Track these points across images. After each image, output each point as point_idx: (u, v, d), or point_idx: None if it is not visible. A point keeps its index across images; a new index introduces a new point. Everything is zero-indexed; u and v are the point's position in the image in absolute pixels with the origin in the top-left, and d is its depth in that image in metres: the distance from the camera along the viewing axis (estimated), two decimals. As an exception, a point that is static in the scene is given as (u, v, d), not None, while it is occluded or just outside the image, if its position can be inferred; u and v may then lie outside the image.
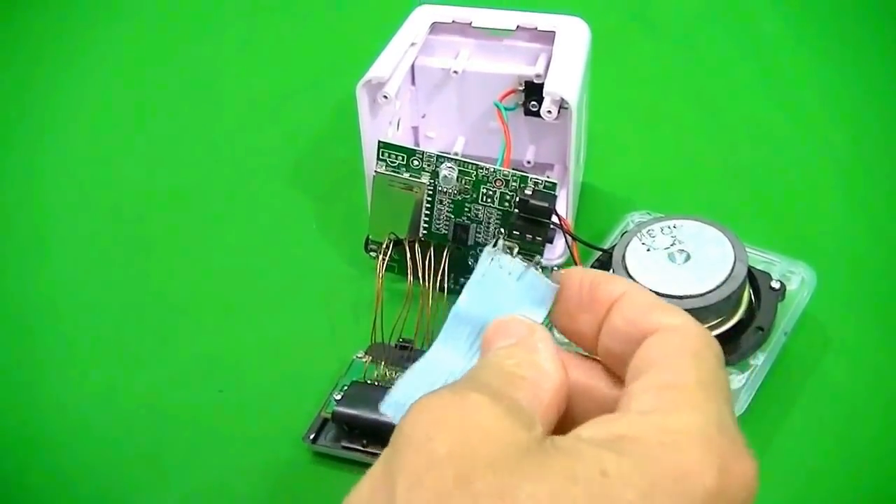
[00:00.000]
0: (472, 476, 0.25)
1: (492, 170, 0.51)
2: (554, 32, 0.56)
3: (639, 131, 0.68)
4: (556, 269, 0.37)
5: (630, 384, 0.28)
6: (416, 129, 0.61)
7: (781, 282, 0.51)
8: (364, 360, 0.50)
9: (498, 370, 0.30)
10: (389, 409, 0.35)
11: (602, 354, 0.31)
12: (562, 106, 0.52)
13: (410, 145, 0.58)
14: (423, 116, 0.60)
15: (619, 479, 0.25)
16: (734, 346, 0.48)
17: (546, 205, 0.50)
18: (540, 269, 0.39)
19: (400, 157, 0.52)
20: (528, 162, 0.59)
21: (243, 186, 0.66)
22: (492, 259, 0.39)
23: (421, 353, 0.49)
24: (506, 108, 0.56)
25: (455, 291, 0.54)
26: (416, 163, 0.52)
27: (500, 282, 0.39)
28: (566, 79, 0.53)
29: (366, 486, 0.27)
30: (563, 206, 0.55)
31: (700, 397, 0.27)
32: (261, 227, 0.62)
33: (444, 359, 0.38)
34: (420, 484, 0.25)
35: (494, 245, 0.36)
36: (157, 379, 0.53)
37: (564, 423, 0.29)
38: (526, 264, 0.39)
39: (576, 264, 0.52)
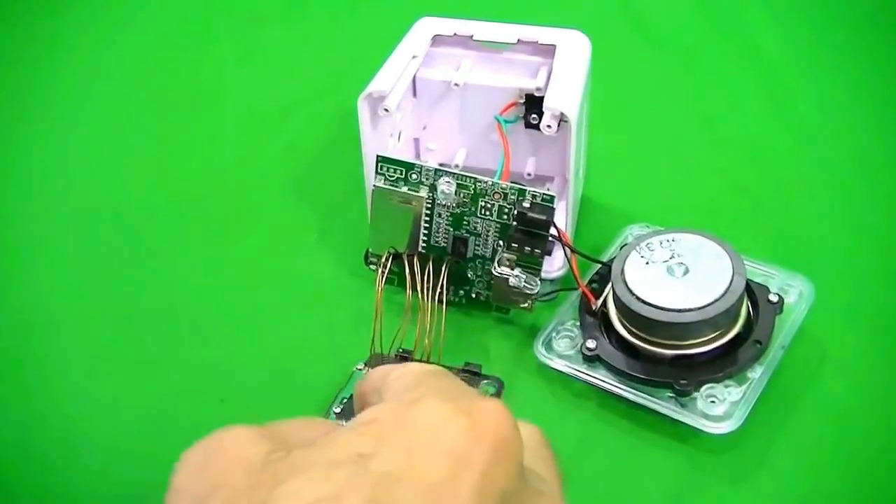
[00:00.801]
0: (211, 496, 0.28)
1: (490, 183, 0.51)
2: (554, 46, 0.56)
3: (639, 145, 0.68)
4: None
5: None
6: (417, 141, 0.61)
7: (780, 295, 0.51)
8: (364, 371, 0.50)
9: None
10: None
11: None
12: (562, 120, 0.53)
13: (411, 157, 0.59)
14: (424, 128, 0.60)
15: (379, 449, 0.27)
16: (732, 359, 0.48)
17: (544, 217, 0.50)
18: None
19: (398, 171, 0.52)
20: (529, 174, 0.59)
21: (245, 198, 0.66)
22: None
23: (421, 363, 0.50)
24: (506, 121, 0.56)
25: (454, 303, 0.54)
26: (414, 177, 0.52)
27: None
28: (566, 93, 0.53)
29: None
30: (563, 218, 0.55)
31: (411, 383, 0.31)
32: (262, 238, 0.62)
33: None
34: None
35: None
36: (158, 388, 0.53)
37: None
38: None
39: (575, 278, 0.52)
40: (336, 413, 0.48)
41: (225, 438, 0.30)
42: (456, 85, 0.57)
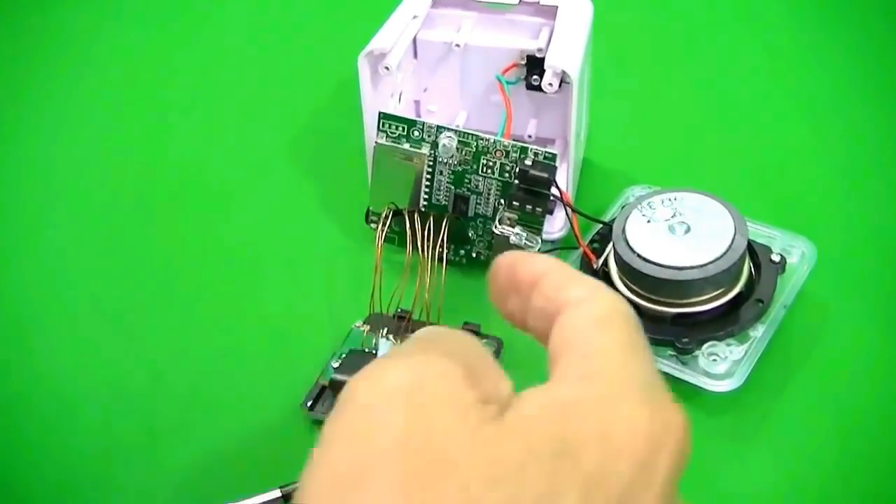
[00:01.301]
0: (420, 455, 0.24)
1: (492, 141, 0.51)
2: (556, 7, 0.56)
3: (640, 108, 0.68)
4: None
5: (552, 370, 0.28)
6: (417, 103, 0.61)
7: (782, 255, 0.51)
8: (362, 329, 0.50)
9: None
10: None
11: (533, 334, 0.31)
12: (563, 80, 0.52)
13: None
14: (425, 90, 0.60)
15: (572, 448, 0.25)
16: (734, 317, 0.48)
17: (546, 175, 0.50)
18: None
19: (400, 128, 0.52)
20: (530, 136, 0.59)
21: (245, 160, 0.66)
22: None
23: (419, 323, 0.50)
24: (507, 82, 0.56)
25: (454, 262, 0.54)
26: (416, 133, 0.52)
27: None
28: (568, 52, 0.53)
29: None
30: (564, 180, 0.55)
31: (617, 361, 0.28)
32: (262, 200, 0.62)
33: None
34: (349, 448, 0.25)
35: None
36: (158, 348, 0.53)
37: None
38: None
39: (576, 237, 0.52)
40: (334, 367, 0.47)
41: (431, 372, 0.26)
42: (457, 46, 0.57)
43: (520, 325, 0.32)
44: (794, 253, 0.52)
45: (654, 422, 0.26)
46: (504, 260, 0.32)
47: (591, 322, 0.28)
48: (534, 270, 0.30)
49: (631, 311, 0.29)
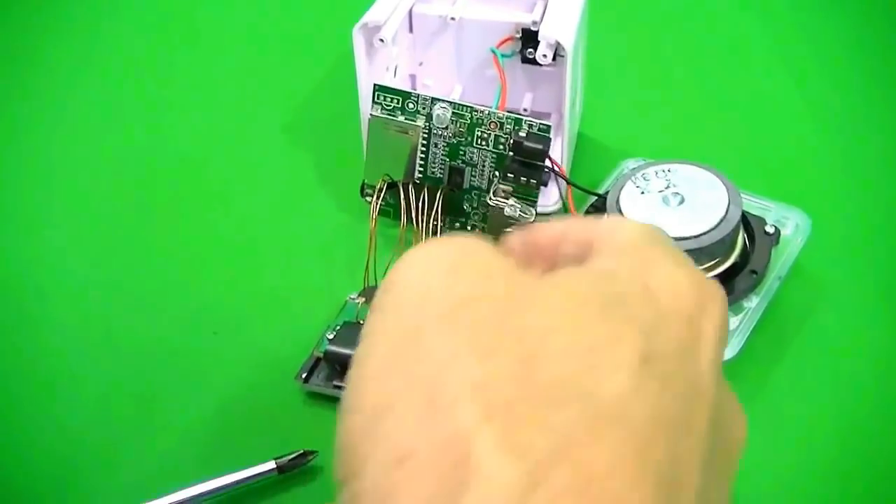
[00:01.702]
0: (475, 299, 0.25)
1: (486, 112, 0.51)
2: (551, -20, 0.56)
3: (635, 83, 0.68)
4: None
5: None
6: (413, 77, 0.61)
7: (776, 227, 0.51)
8: (357, 301, 0.50)
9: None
10: None
11: None
12: (557, 52, 0.52)
13: (407, 90, 0.59)
14: (421, 64, 0.60)
15: (621, 277, 0.26)
16: (728, 288, 0.48)
17: (540, 147, 0.50)
18: None
19: (395, 100, 0.52)
20: (525, 110, 0.59)
21: (240, 134, 0.66)
22: None
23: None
24: (502, 55, 0.56)
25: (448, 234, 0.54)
26: (411, 106, 0.52)
27: None
28: (562, 24, 0.53)
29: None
30: (559, 154, 0.55)
31: (649, 246, 0.28)
32: (257, 174, 0.62)
33: None
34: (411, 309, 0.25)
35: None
36: (154, 321, 0.53)
37: None
38: None
39: (570, 209, 0.52)
40: (329, 339, 0.47)
41: (469, 244, 0.27)
42: (452, 19, 0.57)
43: None
44: (789, 225, 0.52)
45: (694, 284, 0.27)
46: (514, 240, 0.32)
47: (623, 233, 0.29)
48: (554, 228, 0.31)
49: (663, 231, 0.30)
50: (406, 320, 0.25)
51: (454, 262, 0.26)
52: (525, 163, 0.51)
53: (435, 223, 0.51)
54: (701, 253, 0.47)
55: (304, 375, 0.48)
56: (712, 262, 0.48)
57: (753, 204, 0.52)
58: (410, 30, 0.58)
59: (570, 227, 0.30)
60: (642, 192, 0.49)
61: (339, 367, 0.47)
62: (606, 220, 0.30)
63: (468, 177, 0.53)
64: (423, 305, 0.25)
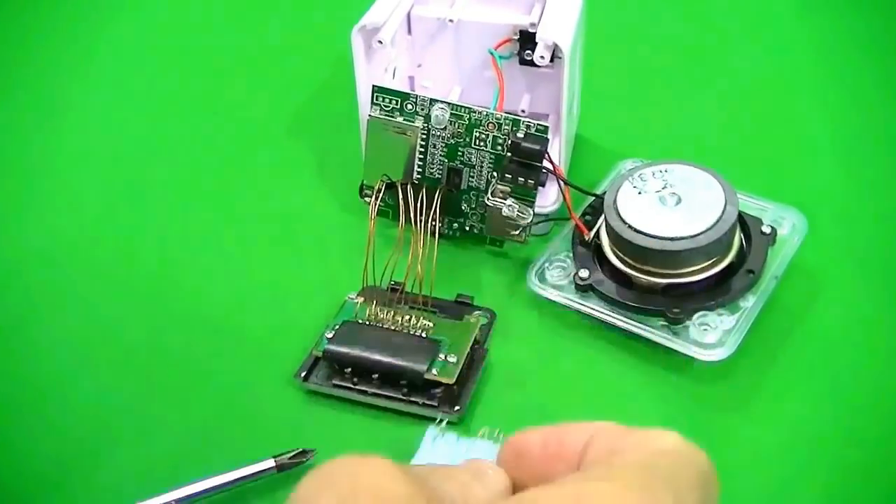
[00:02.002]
0: None
1: (484, 113, 0.51)
2: (549, -18, 0.56)
3: (632, 84, 0.68)
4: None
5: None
6: (412, 79, 0.61)
7: (772, 227, 0.51)
8: (356, 300, 0.50)
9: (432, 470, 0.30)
10: None
11: None
12: (555, 54, 0.53)
13: (405, 91, 0.59)
14: (419, 66, 0.60)
15: None
16: (725, 288, 0.49)
17: (538, 147, 0.50)
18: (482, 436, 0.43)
19: (394, 101, 0.52)
20: (523, 111, 0.59)
21: (239, 134, 0.66)
22: (434, 438, 0.44)
23: (411, 295, 0.50)
24: (500, 57, 0.56)
25: (447, 237, 0.54)
26: (409, 107, 0.52)
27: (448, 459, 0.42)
28: (560, 26, 0.53)
29: None
30: (557, 155, 0.55)
31: (636, 477, 0.26)
32: (257, 174, 0.62)
33: None
34: None
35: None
36: (152, 319, 0.53)
37: None
38: (469, 440, 0.44)
39: (568, 210, 0.52)
40: (328, 338, 0.48)
41: (361, 471, 0.26)
42: (450, 21, 0.57)
43: None
44: (785, 224, 0.52)
45: None
46: (534, 439, 0.30)
47: (656, 445, 0.27)
48: (583, 432, 0.29)
49: (707, 469, 0.27)
50: None
51: (340, 495, 0.25)
52: (523, 163, 0.51)
53: (433, 223, 0.52)
54: (698, 252, 0.48)
55: (303, 374, 0.48)
56: (709, 262, 0.48)
57: (750, 204, 0.53)
58: (409, 31, 0.59)
59: (603, 431, 0.28)
60: (639, 193, 0.49)
61: (337, 365, 0.47)
62: (651, 433, 0.27)
63: (466, 177, 0.53)
64: None
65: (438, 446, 0.44)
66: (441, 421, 0.46)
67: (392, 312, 0.49)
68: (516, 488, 0.30)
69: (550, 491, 0.25)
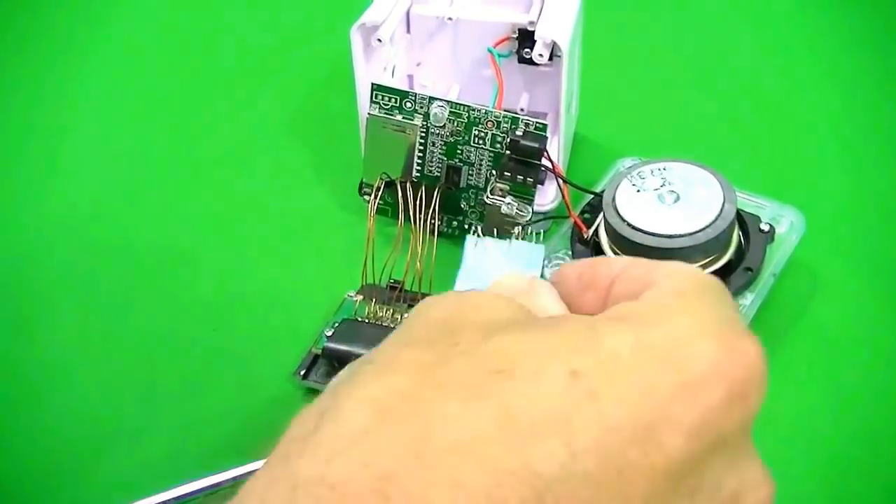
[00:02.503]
0: (457, 330, 0.26)
1: (483, 111, 0.51)
2: (548, -20, 0.56)
3: (631, 82, 0.68)
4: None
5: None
6: (410, 78, 0.61)
7: (771, 224, 0.51)
8: (355, 298, 0.50)
9: (501, 287, 0.31)
10: None
11: None
12: (554, 52, 0.53)
13: (404, 89, 0.59)
14: (418, 65, 0.60)
15: (606, 331, 0.25)
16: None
17: (537, 145, 0.50)
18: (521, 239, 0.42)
19: (393, 99, 0.52)
20: (522, 109, 0.59)
21: (238, 133, 0.66)
22: (476, 244, 0.41)
23: (411, 294, 0.50)
24: (499, 55, 0.56)
25: (447, 235, 0.54)
26: (408, 105, 0.52)
27: (489, 261, 0.41)
28: (558, 24, 0.53)
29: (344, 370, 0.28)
30: (556, 153, 0.55)
31: (698, 298, 0.27)
32: (256, 172, 0.63)
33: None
34: (409, 341, 0.26)
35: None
36: (151, 318, 0.53)
37: None
38: (508, 240, 0.44)
39: (567, 207, 0.52)
40: (327, 336, 0.48)
41: (473, 297, 0.28)
42: (449, 19, 0.57)
43: None
44: (783, 222, 0.52)
45: (722, 350, 0.25)
46: (572, 269, 0.31)
47: (684, 279, 0.28)
48: (614, 265, 0.30)
49: (725, 288, 0.28)
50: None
51: (461, 303, 0.27)
52: (522, 161, 0.51)
53: (432, 221, 0.52)
54: (696, 250, 0.48)
55: (302, 372, 0.48)
56: (707, 260, 0.48)
57: (748, 202, 0.53)
58: (408, 30, 0.59)
59: (635, 263, 0.30)
60: (638, 191, 0.49)
61: (337, 363, 0.48)
62: (668, 265, 0.29)
63: (465, 175, 0.53)
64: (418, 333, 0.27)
65: (480, 251, 0.45)
66: (475, 230, 0.47)
67: (391, 310, 0.49)
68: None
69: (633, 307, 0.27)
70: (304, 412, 0.26)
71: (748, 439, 0.26)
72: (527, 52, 0.56)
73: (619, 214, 0.49)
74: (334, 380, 0.28)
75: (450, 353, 0.25)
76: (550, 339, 0.25)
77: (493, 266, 0.44)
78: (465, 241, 0.46)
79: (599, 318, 0.26)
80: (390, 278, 0.51)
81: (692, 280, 0.28)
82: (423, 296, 0.49)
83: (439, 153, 0.53)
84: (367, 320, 0.49)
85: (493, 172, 0.52)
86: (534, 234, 0.49)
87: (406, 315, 0.30)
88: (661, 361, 0.25)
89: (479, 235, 0.46)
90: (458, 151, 0.52)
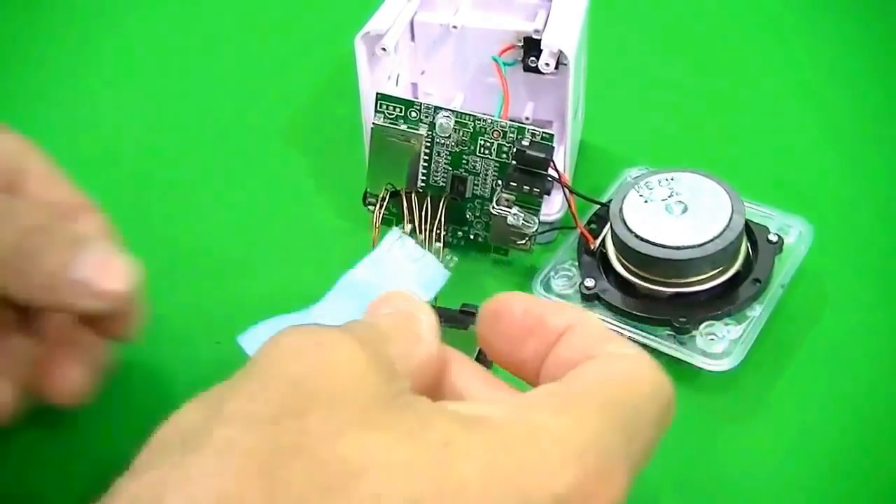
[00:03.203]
0: (306, 409, 0.24)
1: (489, 121, 0.51)
2: (553, -12, 0.56)
3: (637, 90, 0.68)
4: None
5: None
6: (415, 86, 0.61)
7: (779, 235, 0.51)
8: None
9: (371, 326, 0.29)
10: (247, 342, 0.36)
11: (543, 383, 0.29)
12: (560, 61, 0.52)
13: (409, 98, 0.59)
14: (423, 73, 0.60)
15: (460, 451, 0.24)
16: (731, 297, 0.48)
17: (543, 156, 0.50)
18: (438, 257, 0.44)
19: (398, 109, 0.52)
20: (527, 118, 0.59)
21: (241, 142, 0.66)
22: (397, 237, 0.43)
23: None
24: (504, 63, 0.56)
25: (452, 245, 0.54)
26: (413, 114, 0.52)
27: (399, 261, 0.41)
28: (564, 32, 0.53)
29: (193, 404, 0.26)
30: (562, 162, 0.55)
31: (593, 412, 0.26)
32: (259, 182, 0.62)
33: (321, 317, 0.39)
34: (249, 403, 0.24)
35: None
36: (154, 332, 0.53)
37: None
38: (424, 251, 0.43)
39: (573, 218, 0.52)
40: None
41: (332, 357, 0.26)
42: (454, 28, 0.57)
43: (528, 373, 0.30)
44: (792, 233, 0.52)
45: (577, 489, 0.24)
46: (519, 303, 0.30)
47: (613, 374, 0.27)
48: (566, 319, 0.29)
49: (667, 394, 0.27)
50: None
51: (314, 366, 0.26)
52: (528, 171, 0.50)
53: (438, 232, 0.51)
54: (704, 261, 0.47)
55: (306, 385, 0.48)
56: (716, 271, 0.48)
57: (756, 212, 0.52)
58: (412, 38, 0.59)
59: (584, 328, 0.29)
60: (645, 201, 0.49)
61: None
62: (620, 346, 0.28)
63: (471, 185, 0.53)
64: (261, 400, 0.25)
65: (396, 247, 0.44)
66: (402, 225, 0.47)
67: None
68: (486, 348, 0.31)
69: (502, 411, 0.25)
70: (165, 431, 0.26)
71: None
72: (532, 61, 0.56)
73: (626, 225, 0.48)
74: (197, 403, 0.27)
75: (293, 447, 0.24)
76: (401, 453, 0.24)
77: (397, 268, 0.44)
78: (391, 230, 0.45)
79: (466, 426, 0.25)
80: (395, 289, 0.51)
81: (617, 382, 0.27)
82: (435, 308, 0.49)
83: (444, 163, 0.52)
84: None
85: (499, 183, 0.52)
86: (533, 245, 0.49)
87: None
88: (509, 497, 0.23)
89: (403, 232, 0.45)
90: (464, 161, 0.52)
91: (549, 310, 0.30)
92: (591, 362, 0.27)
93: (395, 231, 0.45)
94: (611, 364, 0.27)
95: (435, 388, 0.29)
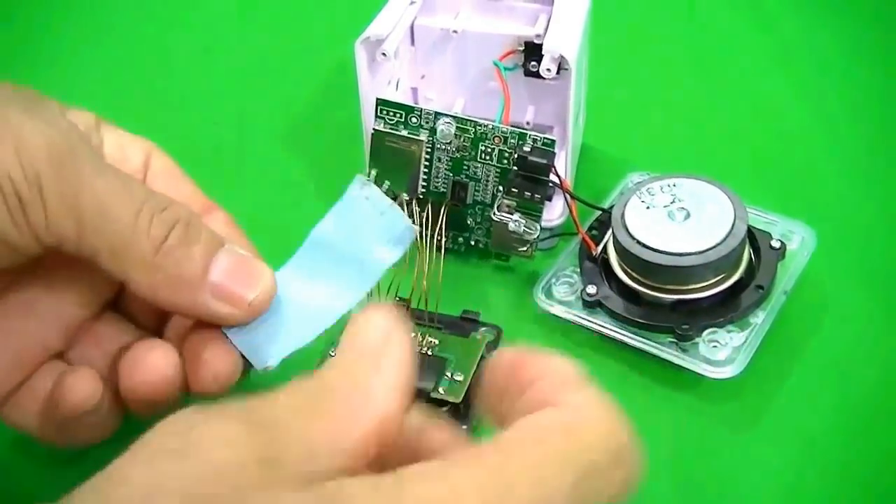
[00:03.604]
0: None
1: (490, 127, 0.51)
2: (555, -7, 0.56)
3: (638, 95, 0.67)
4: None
5: None
6: (415, 91, 0.60)
7: (782, 241, 0.50)
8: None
9: (318, 384, 0.29)
10: (233, 333, 0.35)
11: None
12: (561, 66, 0.52)
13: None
14: (423, 77, 0.60)
15: None
16: (734, 304, 0.48)
17: (545, 161, 0.50)
18: (404, 210, 0.42)
19: (398, 115, 0.52)
20: (528, 123, 0.58)
21: (240, 147, 0.65)
22: (362, 186, 0.39)
23: (417, 311, 0.49)
24: (505, 68, 0.56)
25: (453, 251, 0.54)
26: (414, 120, 0.52)
27: (365, 213, 0.39)
28: (565, 37, 0.52)
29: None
30: (563, 167, 0.54)
31: (514, 460, 0.26)
32: (258, 187, 0.62)
33: (300, 290, 0.38)
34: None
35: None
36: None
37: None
38: (391, 202, 0.41)
39: (575, 224, 0.52)
40: (332, 355, 0.47)
41: (202, 438, 0.25)
42: (454, 32, 0.57)
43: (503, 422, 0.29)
44: (794, 239, 0.52)
45: None
46: (506, 359, 0.30)
47: (551, 426, 0.27)
48: (534, 370, 0.29)
49: (613, 444, 0.27)
50: None
51: (179, 455, 0.25)
52: (529, 177, 0.50)
53: (438, 238, 0.51)
54: (707, 268, 0.47)
55: (307, 392, 0.47)
56: (718, 278, 0.48)
57: (759, 218, 0.52)
58: (412, 43, 0.58)
59: (548, 378, 0.28)
60: (647, 207, 0.49)
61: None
62: (586, 398, 0.28)
63: (472, 191, 0.52)
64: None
65: (360, 196, 0.43)
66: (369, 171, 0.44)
67: None
68: (489, 399, 0.30)
69: (441, 473, 0.25)
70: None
71: None
72: (533, 66, 0.56)
73: (628, 232, 0.48)
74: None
75: None
76: None
77: (363, 222, 0.42)
78: (355, 177, 0.44)
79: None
80: (396, 296, 0.51)
81: (554, 430, 0.26)
82: (430, 314, 0.49)
83: (445, 169, 0.52)
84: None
85: (500, 188, 0.51)
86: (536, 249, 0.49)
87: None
88: None
89: (368, 179, 0.43)
90: (465, 167, 0.52)
91: (527, 360, 0.29)
92: (540, 413, 0.27)
93: (359, 178, 0.43)
94: (557, 413, 0.27)
95: (395, 446, 0.28)
